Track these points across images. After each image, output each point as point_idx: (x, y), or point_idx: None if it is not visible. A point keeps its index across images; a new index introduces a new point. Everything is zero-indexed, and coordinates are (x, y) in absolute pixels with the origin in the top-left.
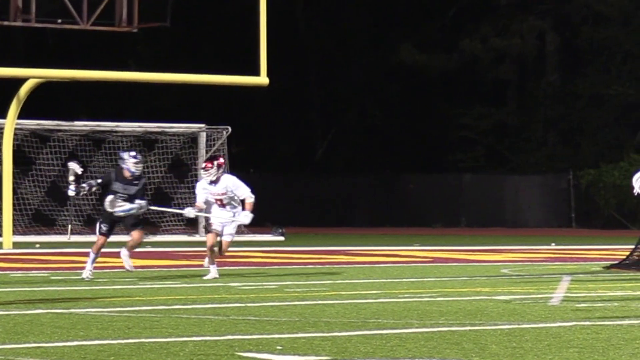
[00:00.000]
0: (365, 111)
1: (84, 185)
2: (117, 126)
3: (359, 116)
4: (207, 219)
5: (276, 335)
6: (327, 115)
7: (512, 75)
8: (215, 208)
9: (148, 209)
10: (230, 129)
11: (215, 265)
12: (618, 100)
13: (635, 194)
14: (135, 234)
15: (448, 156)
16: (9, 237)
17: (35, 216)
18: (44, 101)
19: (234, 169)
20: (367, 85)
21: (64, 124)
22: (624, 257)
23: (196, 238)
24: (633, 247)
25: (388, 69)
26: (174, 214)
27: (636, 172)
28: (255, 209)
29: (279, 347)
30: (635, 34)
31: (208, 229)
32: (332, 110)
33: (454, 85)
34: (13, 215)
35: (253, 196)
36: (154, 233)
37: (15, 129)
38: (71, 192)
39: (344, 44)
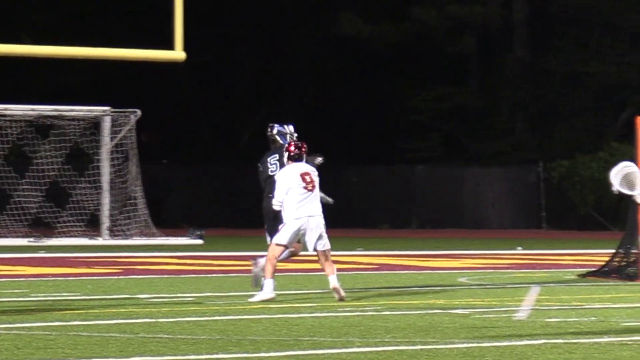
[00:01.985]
0: (299, 91)
1: None
2: (5, 109)
3: (293, 97)
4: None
5: (193, 356)
6: (255, 96)
7: (473, 49)
8: None
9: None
10: (139, 113)
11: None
12: (597, 80)
13: (615, 192)
14: None
15: (397, 145)
16: None
17: None
18: None
19: (144, 159)
20: (302, 61)
21: None
22: (603, 263)
23: (98, 242)
24: (613, 251)
25: (327, 42)
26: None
27: (616, 166)
28: (168, 208)
29: None
30: (617, 1)
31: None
32: (260, 89)
33: (405, 62)
34: None
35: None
36: (48, 236)
37: None
38: None
39: (276, 13)
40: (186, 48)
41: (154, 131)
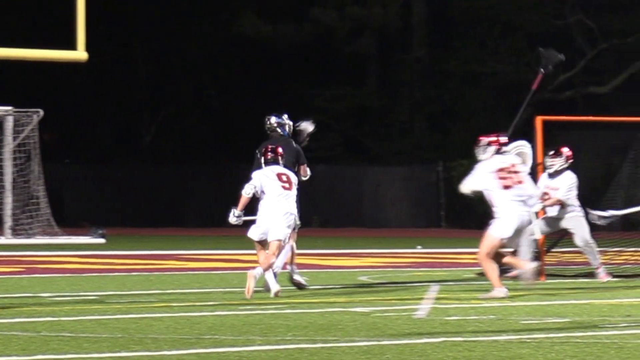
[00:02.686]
0: (200, 91)
1: None
2: None
3: (194, 97)
4: None
5: (95, 355)
6: (157, 96)
7: (372, 50)
8: None
9: None
10: (42, 113)
11: None
12: (495, 80)
13: None
14: None
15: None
16: None
17: None
18: None
19: (46, 159)
20: (203, 61)
21: None
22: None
23: (1, 241)
24: (512, 250)
25: (227, 42)
26: None
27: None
28: (70, 207)
29: None
30: (515, 2)
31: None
32: (162, 89)
33: (305, 62)
34: None
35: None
36: None
37: None
38: None
39: (176, 13)
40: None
41: (56, 131)
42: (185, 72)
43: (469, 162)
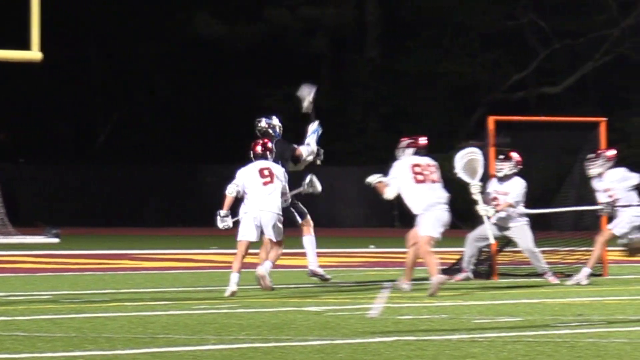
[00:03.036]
0: (155, 91)
1: None
2: None
3: (149, 96)
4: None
5: (49, 354)
6: (111, 95)
7: (326, 50)
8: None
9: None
10: None
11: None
12: (448, 80)
13: (456, 174)
14: None
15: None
16: None
17: None
18: None
19: (1, 158)
20: (158, 61)
21: None
22: (454, 261)
23: None
24: (464, 249)
25: (181, 42)
26: None
27: (462, 150)
28: (24, 207)
29: None
30: (468, 2)
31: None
32: (116, 89)
33: (259, 62)
34: None
35: None
36: None
37: None
38: None
39: (131, 13)
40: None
41: (10, 130)
42: (139, 72)
43: None
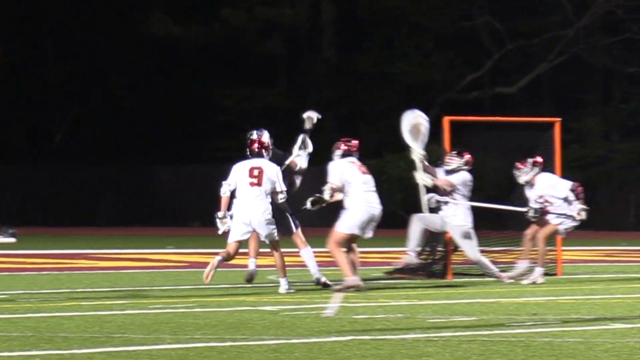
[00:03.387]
0: (111, 91)
1: None
2: None
3: (104, 97)
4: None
5: (5, 353)
6: (67, 96)
7: (282, 50)
8: None
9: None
10: None
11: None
12: (404, 80)
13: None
14: None
15: (207, 144)
16: None
17: None
18: None
19: None
20: (114, 61)
21: None
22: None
23: None
24: (419, 249)
25: (138, 43)
26: None
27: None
28: None
29: None
30: (423, 3)
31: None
32: (72, 89)
33: (215, 62)
34: None
35: None
36: None
37: None
38: None
39: (87, 13)
40: None
41: None
42: (95, 72)
43: (378, 162)
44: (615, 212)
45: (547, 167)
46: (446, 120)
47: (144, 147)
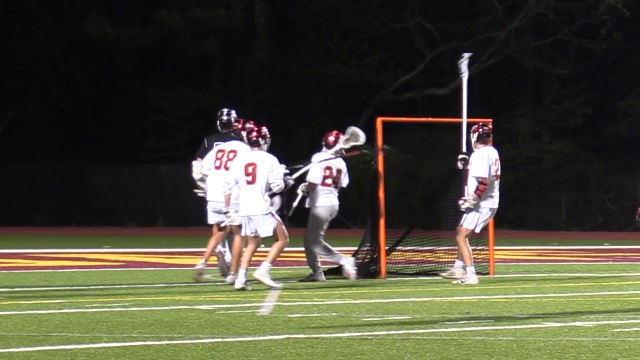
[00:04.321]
0: (47, 92)
1: None
2: None
3: (41, 97)
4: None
5: None
6: (4, 95)
7: (216, 52)
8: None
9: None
10: None
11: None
12: (338, 81)
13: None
14: None
15: (143, 144)
16: None
17: None
18: None
19: None
20: (50, 62)
21: None
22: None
23: None
24: (355, 249)
25: (73, 44)
26: None
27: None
28: None
29: None
30: (356, 5)
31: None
32: (8, 90)
33: (150, 63)
34: None
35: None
36: None
37: None
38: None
39: (23, 12)
40: None
41: None
42: (31, 72)
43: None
44: (546, 211)
45: None
46: (379, 121)
47: (80, 147)
